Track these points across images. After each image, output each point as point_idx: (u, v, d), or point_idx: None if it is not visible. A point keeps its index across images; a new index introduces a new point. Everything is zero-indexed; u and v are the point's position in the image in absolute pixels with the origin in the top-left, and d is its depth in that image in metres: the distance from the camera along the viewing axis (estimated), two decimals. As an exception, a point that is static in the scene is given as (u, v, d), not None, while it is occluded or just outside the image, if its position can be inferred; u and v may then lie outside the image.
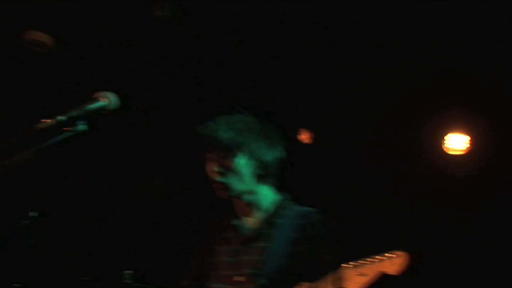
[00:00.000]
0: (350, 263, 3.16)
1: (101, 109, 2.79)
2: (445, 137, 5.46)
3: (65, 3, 4.61)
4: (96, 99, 2.79)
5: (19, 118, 4.67)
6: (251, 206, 3.69)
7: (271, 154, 3.66)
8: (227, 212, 3.76)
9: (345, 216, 4.74)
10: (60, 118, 2.67)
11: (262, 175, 3.66)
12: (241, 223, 3.72)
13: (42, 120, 2.65)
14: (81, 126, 2.72)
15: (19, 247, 2.76)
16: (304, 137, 5.11)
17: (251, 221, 3.69)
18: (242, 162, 3.59)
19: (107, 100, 2.80)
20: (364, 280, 3.11)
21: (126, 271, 3.46)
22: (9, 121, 4.75)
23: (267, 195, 3.71)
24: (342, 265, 3.17)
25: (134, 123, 5.12)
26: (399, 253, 3.10)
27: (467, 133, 5.42)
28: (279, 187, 3.75)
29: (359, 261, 3.14)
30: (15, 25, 4.74)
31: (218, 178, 3.61)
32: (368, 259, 3.13)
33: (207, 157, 3.65)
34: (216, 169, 3.61)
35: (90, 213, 5.41)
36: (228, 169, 3.59)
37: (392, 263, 3.07)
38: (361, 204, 5.01)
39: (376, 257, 3.11)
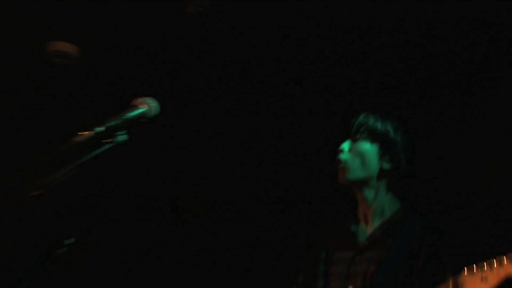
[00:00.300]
0: (470, 267, 2.91)
1: (141, 116, 2.62)
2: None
3: (88, 7, 4.45)
4: (135, 106, 2.62)
5: (55, 132, 4.50)
6: (373, 211, 3.43)
7: (405, 159, 3.43)
8: (348, 217, 3.55)
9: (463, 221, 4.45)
10: (98, 129, 2.51)
11: (389, 174, 3.42)
12: (359, 228, 3.48)
13: (80, 133, 2.49)
14: (121, 137, 2.56)
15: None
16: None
17: (370, 228, 3.44)
18: (369, 147, 3.39)
19: (146, 106, 2.64)
20: (487, 286, 2.86)
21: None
22: (45, 136, 4.60)
23: (389, 200, 3.45)
24: (463, 270, 2.92)
25: (178, 130, 4.89)
26: None
27: None
28: (399, 195, 3.50)
29: (480, 265, 2.89)
30: (37, 36, 4.59)
31: (340, 156, 3.43)
32: (488, 262, 2.87)
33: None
34: (342, 147, 3.44)
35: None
36: (355, 150, 3.41)
37: None
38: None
39: (497, 260, 2.86)
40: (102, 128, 2.52)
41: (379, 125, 3.42)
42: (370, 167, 3.38)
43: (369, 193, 3.40)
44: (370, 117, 3.45)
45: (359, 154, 3.39)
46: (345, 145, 3.44)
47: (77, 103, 4.72)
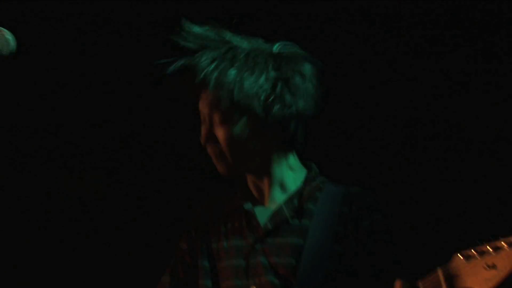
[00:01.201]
0: (465, 252, 2.09)
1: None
2: None
3: None
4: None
5: None
6: (271, 183, 2.64)
7: (296, 103, 2.57)
8: (233, 192, 2.75)
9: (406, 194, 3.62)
10: None
11: (284, 139, 2.62)
12: (256, 207, 2.66)
13: None
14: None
15: None
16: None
17: (270, 205, 2.64)
18: (247, 122, 2.56)
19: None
20: (497, 274, 2.03)
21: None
22: None
23: (291, 168, 2.66)
24: (455, 254, 2.11)
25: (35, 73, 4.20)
26: None
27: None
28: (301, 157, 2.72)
29: (478, 249, 2.05)
30: None
31: (214, 150, 2.62)
32: (490, 244, 2.04)
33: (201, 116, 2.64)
34: (208, 135, 2.61)
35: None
36: (229, 135, 2.56)
37: None
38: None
39: (504, 240, 2.03)
40: None
41: (222, 77, 2.53)
42: (259, 147, 2.60)
43: (262, 170, 2.64)
44: (198, 60, 2.54)
45: (234, 138, 2.58)
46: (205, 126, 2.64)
47: None
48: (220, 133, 2.56)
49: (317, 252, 2.49)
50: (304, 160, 2.69)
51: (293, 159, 2.65)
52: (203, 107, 2.60)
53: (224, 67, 2.51)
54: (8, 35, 2.17)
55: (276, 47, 2.60)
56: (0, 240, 4.03)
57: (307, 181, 2.63)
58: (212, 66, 2.51)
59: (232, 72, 2.50)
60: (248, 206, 2.64)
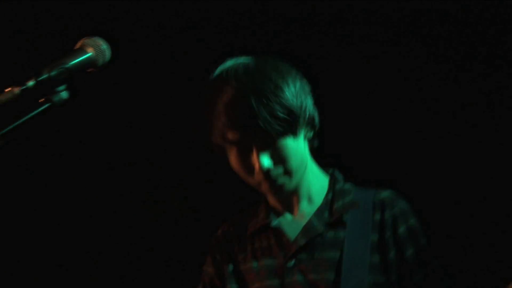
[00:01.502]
0: None
1: (87, 64, 1.94)
2: None
3: None
4: (81, 50, 1.94)
5: None
6: (299, 196, 2.46)
7: (310, 106, 2.41)
8: (254, 208, 2.57)
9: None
10: (30, 83, 1.83)
11: (312, 146, 2.46)
12: (283, 221, 2.48)
13: (5, 90, 1.81)
14: (62, 94, 1.88)
15: None
16: None
17: (300, 219, 2.47)
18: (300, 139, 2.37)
19: (93, 50, 1.95)
20: None
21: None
22: None
23: (315, 176, 2.49)
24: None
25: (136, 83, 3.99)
26: None
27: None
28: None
29: None
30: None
31: (269, 173, 2.34)
32: None
33: (232, 140, 2.36)
34: (263, 159, 2.33)
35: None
36: (278, 155, 2.33)
37: None
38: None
39: None
40: (33, 82, 1.84)
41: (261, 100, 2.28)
42: (300, 160, 2.39)
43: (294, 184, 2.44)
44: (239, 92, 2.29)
45: (283, 156, 2.34)
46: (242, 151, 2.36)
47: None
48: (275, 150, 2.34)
49: (356, 264, 2.35)
50: (323, 166, 2.53)
51: (314, 167, 2.50)
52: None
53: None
54: (104, 45, 1.97)
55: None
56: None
57: (333, 190, 2.47)
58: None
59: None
60: (275, 223, 2.46)
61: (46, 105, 1.86)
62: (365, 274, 2.32)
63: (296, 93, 2.33)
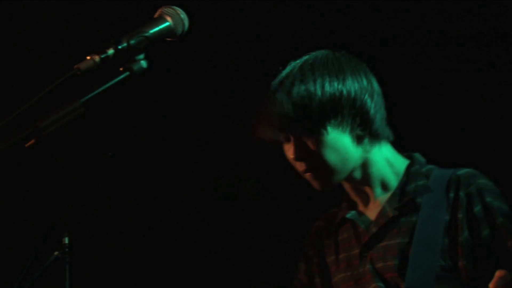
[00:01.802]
0: None
1: (165, 33, 1.94)
2: None
3: None
4: (160, 19, 1.94)
5: (52, 57, 3.72)
6: (372, 185, 2.40)
7: (370, 98, 2.35)
8: (335, 204, 2.54)
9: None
10: (109, 52, 1.84)
11: (370, 135, 2.36)
12: (358, 213, 2.43)
13: (86, 57, 1.82)
14: (141, 63, 1.89)
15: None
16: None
17: (373, 208, 2.41)
18: (335, 134, 2.33)
19: (171, 19, 1.95)
20: None
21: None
22: (39, 61, 3.81)
23: (389, 163, 2.41)
24: None
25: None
26: None
27: None
28: (397, 144, 2.46)
29: None
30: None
31: (306, 170, 2.36)
32: None
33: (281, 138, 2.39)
34: (297, 157, 2.35)
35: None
36: (316, 153, 2.31)
37: None
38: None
39: None
40: (112, 51, 1.84)
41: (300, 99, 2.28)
42: (350, 153, 2.34)
43: (358, 173, 2.39)
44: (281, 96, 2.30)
45: (323, 153, 2.31)
46: (290, 149, 2.37)
47: (79, 14, 3.86)
48: (311, 143, 2.33)
49: (426, 249, 2.23)
50: (405, 152, 2.45)
51: (389, 153, 2.41)
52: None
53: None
54: (182, 14, 1.97)
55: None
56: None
57: (408, 173, 2.38)
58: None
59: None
60: (351, 214, 2.43)
61: (126, 74, 1.87)
62: (435, 260, 2.22)
63: (331, 85, 2.31)
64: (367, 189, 2.42)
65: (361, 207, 2.44)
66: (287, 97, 2.30)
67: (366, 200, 2.43)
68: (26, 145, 1.78)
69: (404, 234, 2.30)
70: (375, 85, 2.39)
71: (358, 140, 2.34)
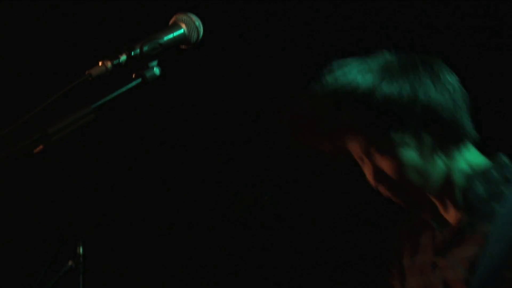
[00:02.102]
0: None
1: (180, 41, 1.90)
2: None
3: None
4: (175, 26, 1.90)
5: (66, 61, 3.69)
6: (452, 191, 2.20)
7: (449, 100, 2.14)
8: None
9: None
10: (122, 58, 1.81)
11: (450, 141, 2.17)
12: (439, 219, 2.23)
13: (98, 63, 1.79)
14: (154, 70, 1.86)
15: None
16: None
17: (454, 213, 2.21)
18: (408, 151, 2.14)
19: (185, 26, 1.91)
20: None
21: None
22: (52, 65, 3.78)
23: (471, 166, 2.19)
24: None
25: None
26: None
27: None
28: (481, 145, 2.26)
29: None
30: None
31: (381, 189, 2.20)
32: None
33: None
34: (371, 176, 2.19)
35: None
36: (392, 173, 2.15)
37: None
38: None
39: None
40: (125, 57, 1.81)
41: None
42: (428, 166, 2.15)
43: (436, 183, 2.20)
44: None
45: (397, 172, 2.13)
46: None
47: (94, 20, 3.84)
48: (385, 165, 2.15)
49: (495, 262, 2.05)
50: (489, 153, 2.24)
51: (470, 155, 2.21)
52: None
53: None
54: (197, 22, 1.93)
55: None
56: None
57: (487, 176, 2.16)
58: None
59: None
60: (430, 219, 2.25)
61: (138, 80, 1.84)
62: (503, 274, 2.04)
63: (391, 90, 2.12)
64: (449, 196, 2.22)
65: (441, 211, 2.24)
66: (351, 100, 2.10)
67: (447, 206, 2.23)
68: (35, 151, 1.75)
69: (475, 243, 2.13)
70: (451, 80, 2.20)
71: (437, 147, 2.16)
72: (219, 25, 3.48)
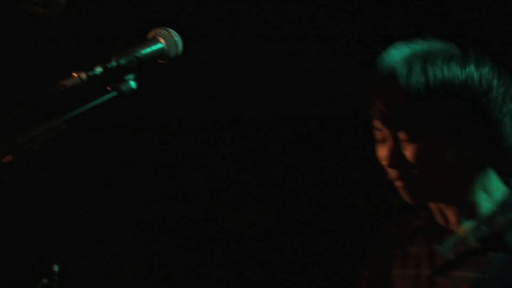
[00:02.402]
0: None
1: (158, 55, 1.87)
2: None
3: None
4: (153, 40, 1.87)
5: (41, 72, 3.65)
6: (459, 210, 2.14)
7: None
8: (415, 210, 2.27)
9: None
10: (97, 70, 1.78)
11: (487, 158, 2.10)
12: (440, 234, 2.17)
13: (73, 74, 1.75)
14: (129, 83, 1.83)
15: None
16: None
17: (458, 233, 2.15)
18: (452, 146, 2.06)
19: (165, 41, 1.89)
20: None
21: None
22: (26, 77, 3.75)
23: (485, 189, 2.13)
24: None
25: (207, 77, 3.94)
26: None
27: None
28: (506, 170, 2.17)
29: None
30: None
31: (399, 178, 2.12)
32: None
33: (377, 135, 2.14)
34: (393, 159, 2.10)
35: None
36: (420, 159, 2.07)
37: None
38: None
39: None
40: (100, 69, 1.78)
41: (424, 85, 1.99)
42: (457, 172, 2.09)
43: (454, 200, 2.15)
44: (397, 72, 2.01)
45: (427, 162, 2.05)
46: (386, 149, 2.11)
47: (71, 32, 3.78)
48: (410, 151, 2.08)
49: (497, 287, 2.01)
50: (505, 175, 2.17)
51: (489, 178, 2.13)
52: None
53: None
54: (176, 37, 1.91)
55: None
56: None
57: (504, 203, 2.10)
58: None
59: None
60: (430, 231, 2.19)
61: (113, 93, 1.81)
62: None
63: (449, 78, 2.02)
64: (453, 212, 2.15)
65: (442, 224, 2.18)
66: (406, 85, 2.01)
67: (448, 222, 2.17)
68: (4, 161, 1.70)
69: (480, 269, 2.05)
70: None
71: (471, 153, 2.08)
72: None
